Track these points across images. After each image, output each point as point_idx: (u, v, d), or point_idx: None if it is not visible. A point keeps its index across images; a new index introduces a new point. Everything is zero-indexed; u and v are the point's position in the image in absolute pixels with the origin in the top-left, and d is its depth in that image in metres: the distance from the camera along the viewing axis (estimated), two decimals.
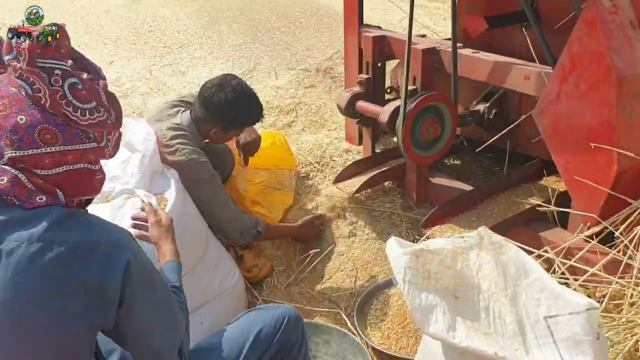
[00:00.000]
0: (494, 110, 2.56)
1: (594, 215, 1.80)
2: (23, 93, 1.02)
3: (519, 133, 2.57)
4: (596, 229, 1.81)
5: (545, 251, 1.73)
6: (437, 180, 2.66)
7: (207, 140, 2.32)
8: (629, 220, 1.78)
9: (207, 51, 4.13)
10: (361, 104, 2.60)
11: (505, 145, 2.65)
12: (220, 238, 2.29)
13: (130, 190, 1.93)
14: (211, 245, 2.17)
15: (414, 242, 2.60)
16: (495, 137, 2.25)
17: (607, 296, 1.66)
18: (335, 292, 2.43)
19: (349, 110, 2.64)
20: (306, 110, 3.57)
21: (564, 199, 2.08)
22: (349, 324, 2.22)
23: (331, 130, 3.38)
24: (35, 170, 1.04)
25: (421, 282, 1.34)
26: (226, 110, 2.14)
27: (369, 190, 2.74)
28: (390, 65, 3.09)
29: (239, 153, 2.55)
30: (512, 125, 2.23)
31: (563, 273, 1.76)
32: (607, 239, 1.84)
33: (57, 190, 1.07)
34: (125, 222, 1.61)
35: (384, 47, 2.62)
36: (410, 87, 2.28)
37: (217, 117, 2.17)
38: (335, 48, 4.21)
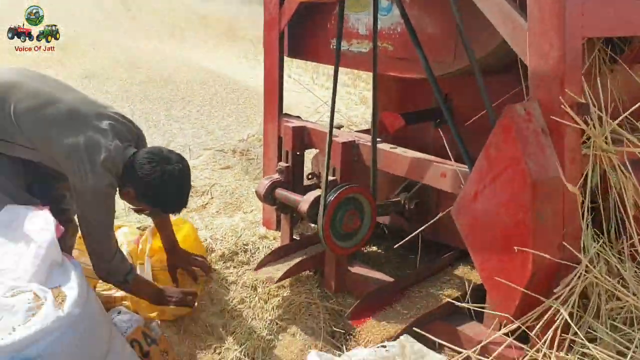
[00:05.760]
0: (414, 201, 2.61)
1: (507, 315, 1.82)
2: None
3: (438, 223, 2.62)
4: (512, 326, 1.83)
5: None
6: (355, 269, 2.63)
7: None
8: (544, 319, 1.82)
9: None
10: (281, 192, 2.56)
11: (424, 235, 2.69)
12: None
13: (21, 285, 1.73)
14: (115, 344, 1.96)
15: (333, 337, 2.55)
16: (417, 231, 2.27)
17: None
18: None
19: (268, 198, 2.59)
20: (221, 191, 3.48)
21: (480, 291, 2.11)
22: None
23: (247, 213, 3.29)
24: None
25: None
26: (152, 185, 2.04)
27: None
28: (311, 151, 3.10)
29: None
30: (431, 221, 2.27)
31: None
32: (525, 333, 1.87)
33: None
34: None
35: (303, 137, 2.63)
36: (330, 178, 2.28)
37: (139, 185, 2.06)
38: (251, 129, 4.22)
